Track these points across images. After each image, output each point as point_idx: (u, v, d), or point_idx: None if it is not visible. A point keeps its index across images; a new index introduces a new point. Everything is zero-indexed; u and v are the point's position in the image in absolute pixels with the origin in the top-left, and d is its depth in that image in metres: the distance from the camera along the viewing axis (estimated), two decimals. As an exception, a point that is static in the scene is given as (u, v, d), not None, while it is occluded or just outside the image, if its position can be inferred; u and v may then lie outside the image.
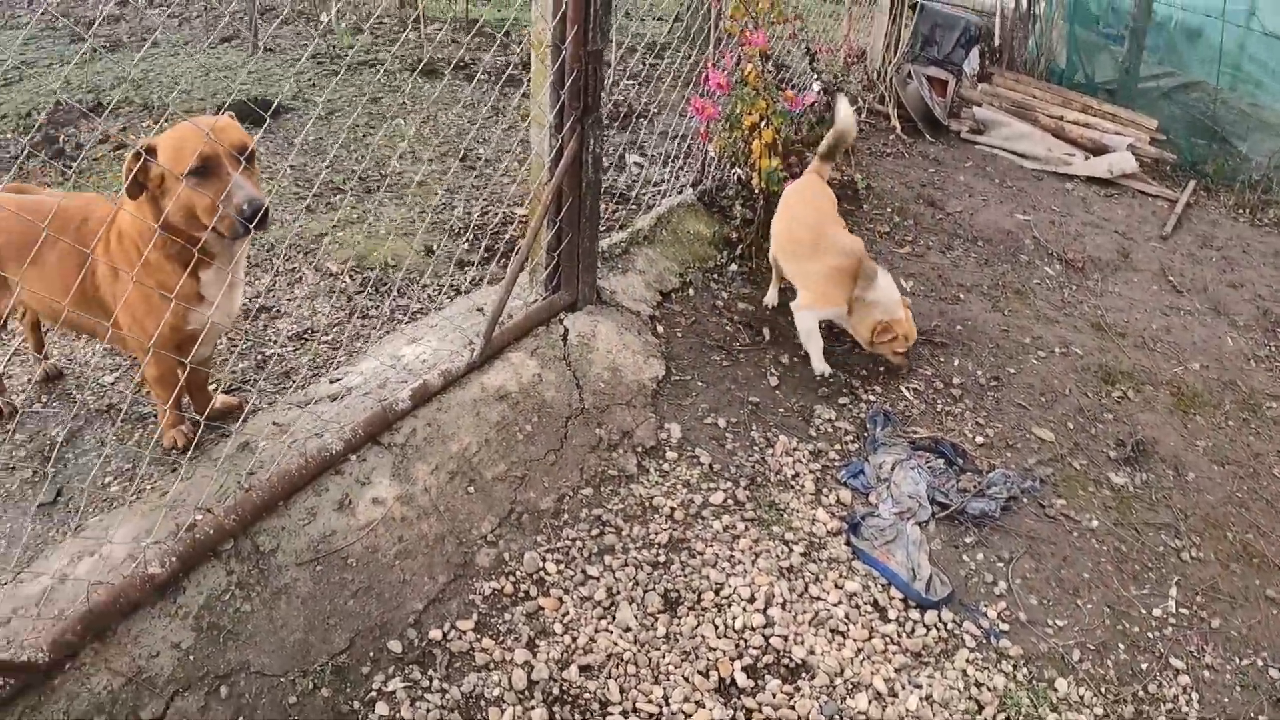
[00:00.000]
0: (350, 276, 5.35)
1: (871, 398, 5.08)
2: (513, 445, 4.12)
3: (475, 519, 3.83)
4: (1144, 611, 4.04)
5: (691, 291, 5.52)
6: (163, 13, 11.54)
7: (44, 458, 4.07)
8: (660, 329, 5.09)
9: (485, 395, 4.19)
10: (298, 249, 5.60)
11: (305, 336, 4.79)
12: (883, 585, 3.94)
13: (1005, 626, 3.86)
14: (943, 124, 9.26)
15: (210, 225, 3.22)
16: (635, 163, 7.06)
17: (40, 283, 3.64)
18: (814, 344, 5.15)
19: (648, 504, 4.16)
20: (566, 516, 4.03)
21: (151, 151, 3.19)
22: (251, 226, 3.17)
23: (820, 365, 5.15)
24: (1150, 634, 3.95)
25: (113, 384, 4.57)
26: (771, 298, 5.61)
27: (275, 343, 4.76)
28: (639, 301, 5.14)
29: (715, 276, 5.78)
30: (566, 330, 4.69)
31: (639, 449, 4.41)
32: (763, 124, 5.67)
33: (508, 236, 5.84)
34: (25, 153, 7.44)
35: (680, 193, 6.24)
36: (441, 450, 3.92)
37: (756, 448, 4.59)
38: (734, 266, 5.92)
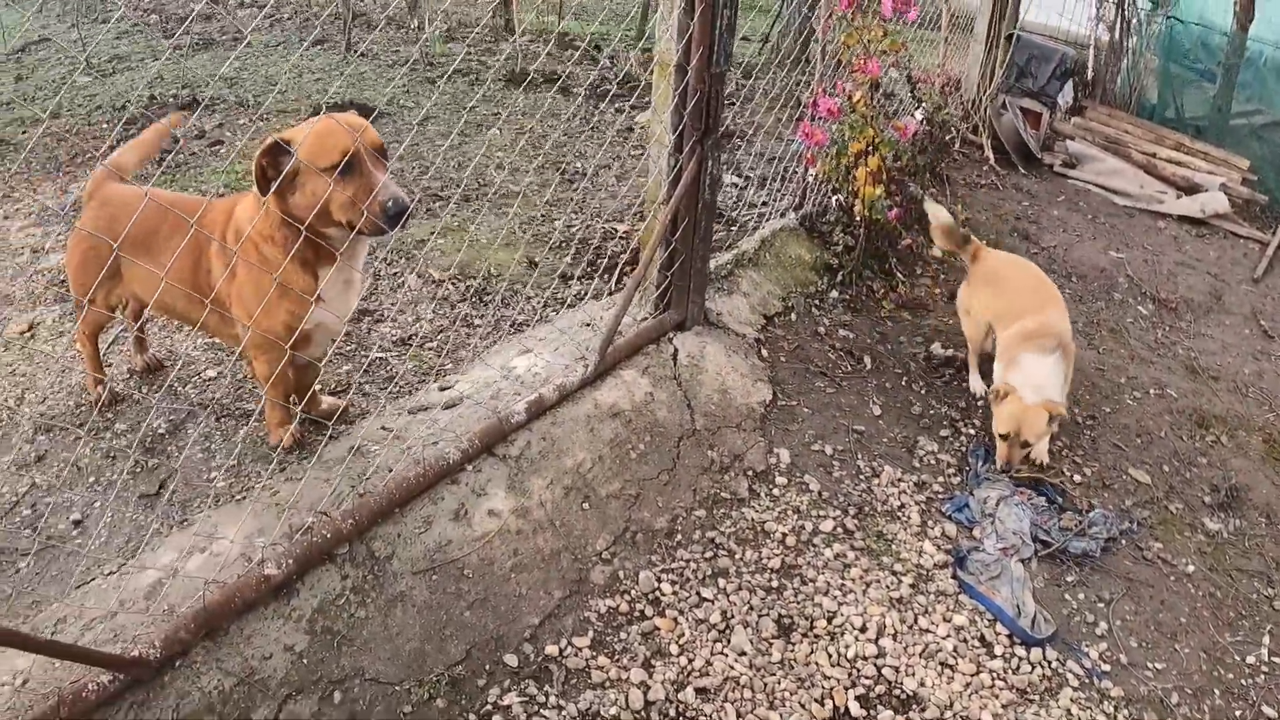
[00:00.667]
0: (453, 284, 5.34)
1: (971, 431, 5.01)
2: (626, 463, 4.09)
3: (590, 536, 3.80)
4: (1238, 658, 3.96)
5: (794, 316, 5.47)
6: (254, 13, 11.61)
7: (146, 448, 4.08)
8: (765, 353, 5.04)
9: (599, 412, 4.16)
10: (400, 254, 5.60)
11: (408, 342, 4.78)
12: (989, 620, 3.87)
13: (1107, 667, 3.78)
14: (1036, 157, 9.14)
15: (347, 222, 3.19)
16: (732, 183, 7.01)
17: (157, 274, 3.65)
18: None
19: (759, 528, 4.11)
20: (680, 537, 3.99)
21: (283, 146, 3.12)
22: (394, 226, 3.17)
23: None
24: (1244, 681, 3.87)
25: (215, 378, 4.57)
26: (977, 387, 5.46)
27: (379, 346, 4.75)
28: (744, 324, 5.10)
29: (816, 302, 5.72)
30: (676, 350, 4.66)
31: (750, 473, 4.36)
32: (869, 152, 5.61)
33: (610, 252, 5.81)
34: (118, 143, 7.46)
35: (782, 216, 6.19)
36: (556, 465, 3.89)
37: (863, 477, 4.53)
38: (834, 293, 5.85)
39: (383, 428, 3.93)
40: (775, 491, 4.32)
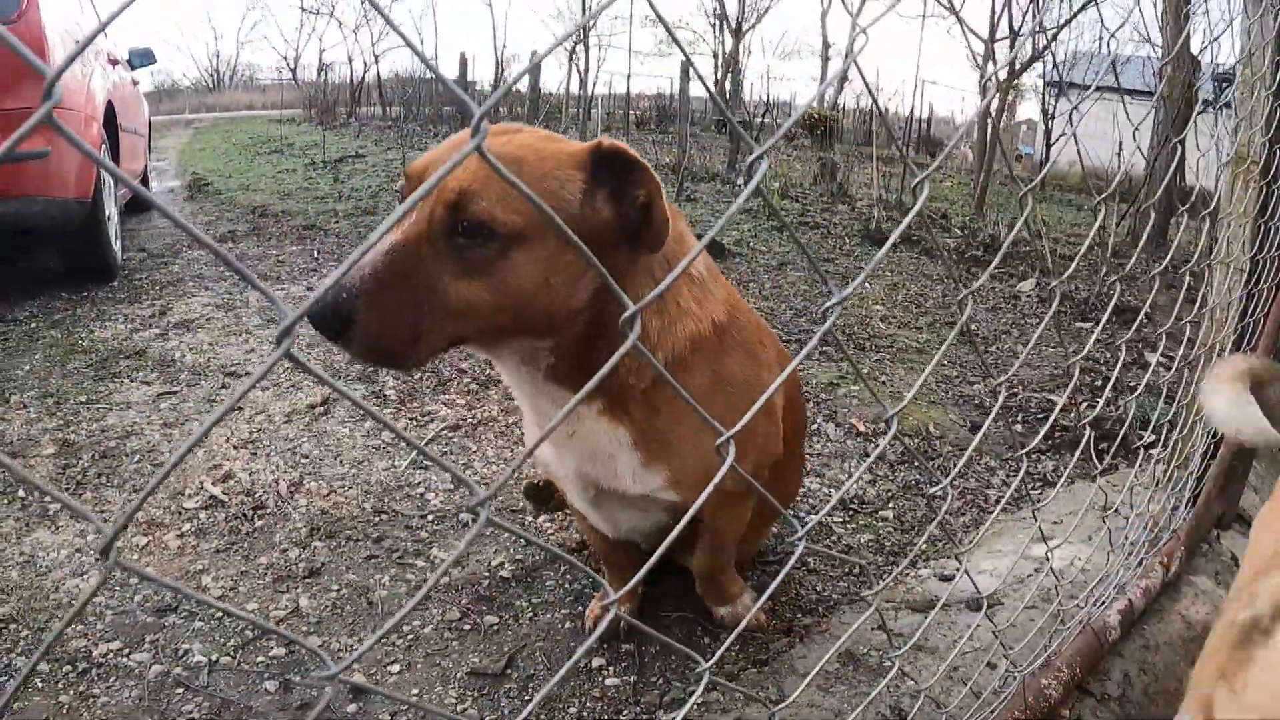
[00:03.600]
0: (881, 439, 3.62)
1: None
2: None
3: None
4: None
5: None
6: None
7: (481, 596, 2.43)
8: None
9: (1193, 634, 2.45)
10: (808, 397, 3.92)
11: (853, 507, 3.04)
12: None
13: None
14: None
15: None
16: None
17: None
18: None
19: None
20: None
21: None
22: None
23: None
24: None
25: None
26: None
27: (811, 506, 3.02)
28: None
29: None
30: (1234, 554, 2.93)
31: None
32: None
33: (1059, 423, 4.02)
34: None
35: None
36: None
37: None
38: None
39: (881, 628, 2.16)
40: None
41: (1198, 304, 2.49)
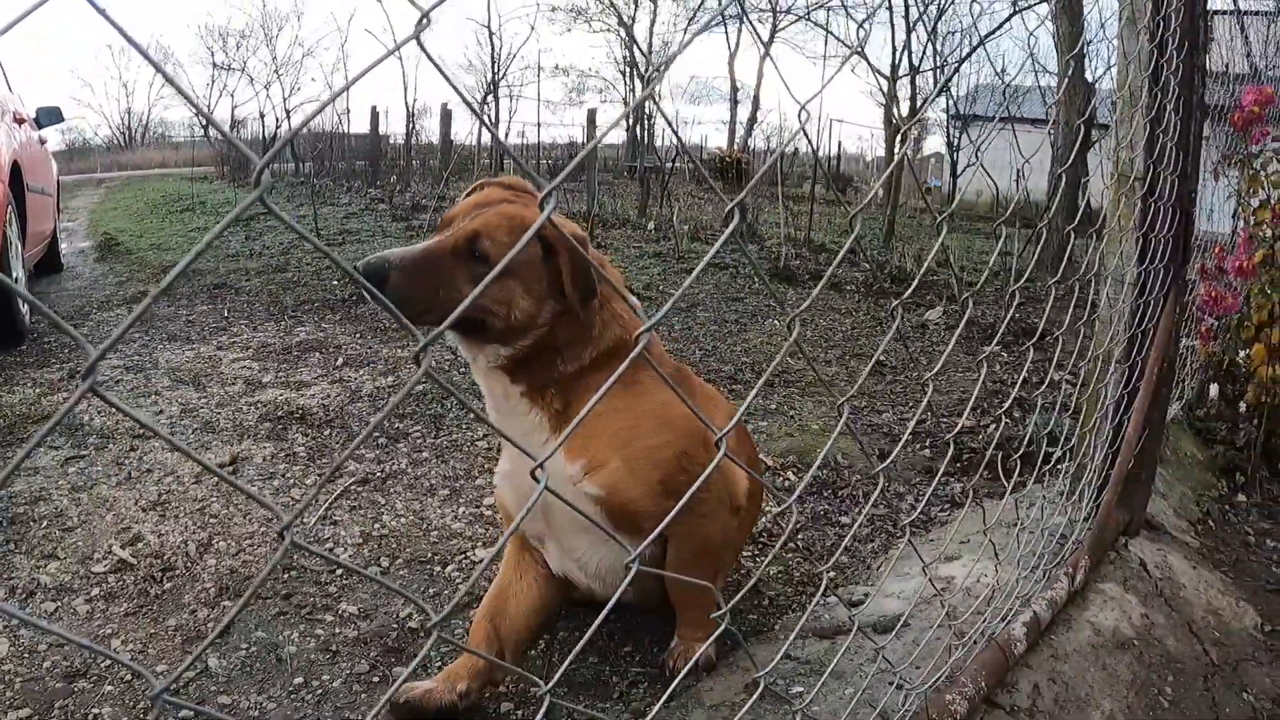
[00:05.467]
0: (794, 473, 3.68)
1: None
2: (1161, 715, 2.34)
3: None
4: None
5: (1212, 523, 3.70)
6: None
7: (390, 648, 2.44)
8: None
9: (1102, 640, 2.48)
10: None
11: (763, 541, 3.09)
12: None
13: None
14: None
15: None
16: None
17: None
18: None
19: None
20: None
21: None
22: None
23: None
24: None
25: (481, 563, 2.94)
26: None
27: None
28: (1178, 530, 3.43)
29: (1227, 507, 3.93)
30: (1143, 560, 2.98)
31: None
32: (1273, 323, 3.93)
33: (969, 446, 4.12)
34: (355, 299, 6.41)
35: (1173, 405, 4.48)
36: (1082, 721, 2.13)
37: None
38: (1241, 497, 4.03)
39: (788, 657, 2.21)
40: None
41: (1068, 318, 2.59)
